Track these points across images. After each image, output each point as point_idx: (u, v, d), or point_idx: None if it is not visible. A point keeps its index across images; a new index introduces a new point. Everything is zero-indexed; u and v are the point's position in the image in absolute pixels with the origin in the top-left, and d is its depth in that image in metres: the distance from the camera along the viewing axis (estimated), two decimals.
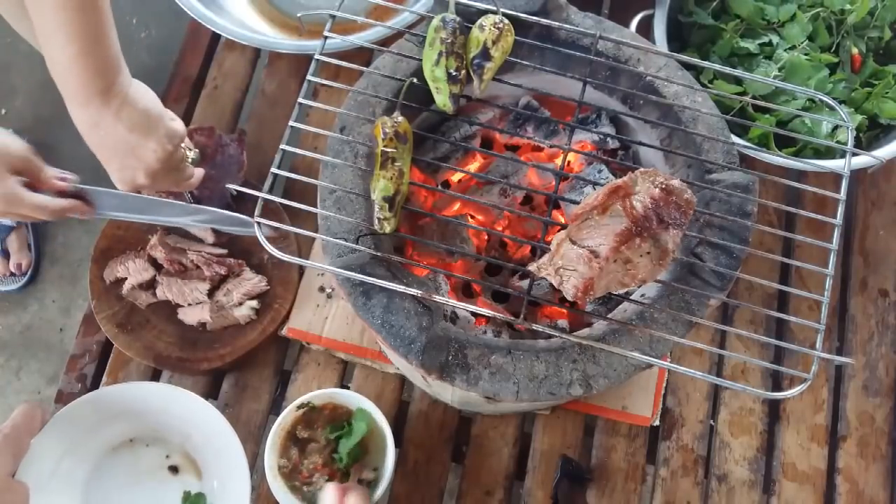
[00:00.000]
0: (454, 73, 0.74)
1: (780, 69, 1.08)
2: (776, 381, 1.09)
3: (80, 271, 1.44)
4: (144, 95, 0.78)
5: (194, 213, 1.00)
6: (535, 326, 0.67)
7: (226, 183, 0.90)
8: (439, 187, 0.92)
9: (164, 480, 0.98)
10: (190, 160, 0.89)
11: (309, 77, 0.75)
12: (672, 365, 0.68)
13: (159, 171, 0.82)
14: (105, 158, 0.80)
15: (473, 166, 0.93)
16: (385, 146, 0.71)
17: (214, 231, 1.10)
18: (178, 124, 0.83)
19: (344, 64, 0.78)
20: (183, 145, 0.86)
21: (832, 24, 1.12)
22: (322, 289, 1.09)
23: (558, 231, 0.67)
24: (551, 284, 0.65)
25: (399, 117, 0.73)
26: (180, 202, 1.05)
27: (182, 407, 0.95)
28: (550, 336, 0.71)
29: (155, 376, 1.08)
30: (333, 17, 0.79)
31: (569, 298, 0.63)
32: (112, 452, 0.98)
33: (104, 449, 0.97)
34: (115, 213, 0.92)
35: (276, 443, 0.90)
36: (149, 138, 0.78)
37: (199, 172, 0.96)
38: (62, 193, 0.85)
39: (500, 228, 0.92)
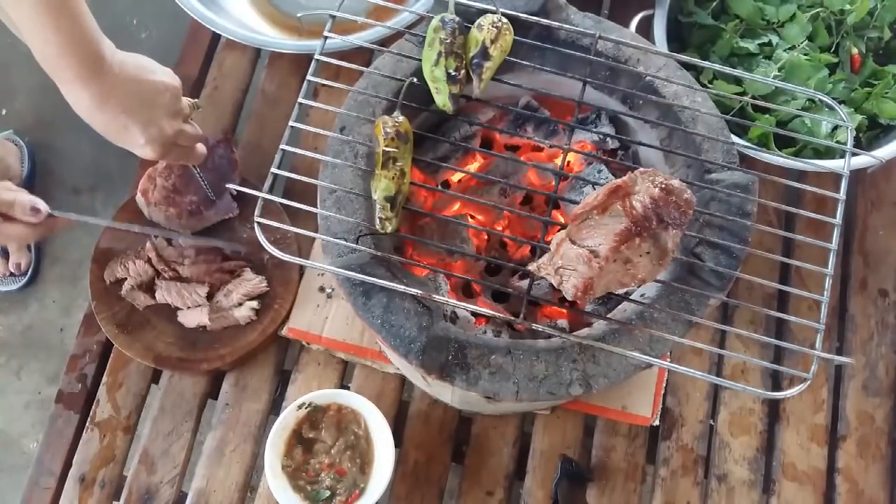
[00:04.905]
0: (453, 73, 0.74)
1: (779, 69, 1.08)
2: (776, 381, 1.09)
3: (81, 271, 1.44)
4: (127, 53, 0.79)
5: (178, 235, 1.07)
6: (534, 326, 0.67)
7: (225, 184, 0.90)
8: (439, 187, 0.92)
9: None
10: (195, 108, 0.90)
11: (309, 77, 0.75)
12: (672, 365, 0.68)
13: (178, 111, 0.83)
14: (124, 125, 0.78)
15: (473, 166, 0.93)
16: (386, 146, 0.71)
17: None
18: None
19: (344, 64, 0.78)
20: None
21: (832, 24, 1.12)
22: (322, 289, 1.09)
23: (558, 231, 0.67)
24: (551, 284, 0.65)
25: (400, 117, 0.73)
26: (160, 228, 1.09)
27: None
28: (550, 336, 0.71)
29: (155, 376, 1.08)
30: (333, 17, 0.79)
31: (568, 298, 0.63)
32: None
33: None
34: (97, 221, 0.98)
35: (276, 442, 0.90)
36: (156, 75, 0.79)
37: (201, 147, 0.95)
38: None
39: (499, 228, 0.92)
